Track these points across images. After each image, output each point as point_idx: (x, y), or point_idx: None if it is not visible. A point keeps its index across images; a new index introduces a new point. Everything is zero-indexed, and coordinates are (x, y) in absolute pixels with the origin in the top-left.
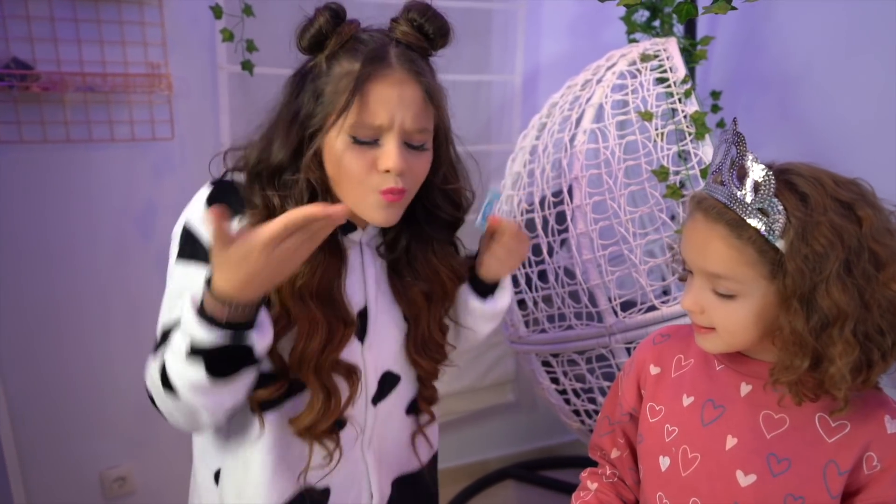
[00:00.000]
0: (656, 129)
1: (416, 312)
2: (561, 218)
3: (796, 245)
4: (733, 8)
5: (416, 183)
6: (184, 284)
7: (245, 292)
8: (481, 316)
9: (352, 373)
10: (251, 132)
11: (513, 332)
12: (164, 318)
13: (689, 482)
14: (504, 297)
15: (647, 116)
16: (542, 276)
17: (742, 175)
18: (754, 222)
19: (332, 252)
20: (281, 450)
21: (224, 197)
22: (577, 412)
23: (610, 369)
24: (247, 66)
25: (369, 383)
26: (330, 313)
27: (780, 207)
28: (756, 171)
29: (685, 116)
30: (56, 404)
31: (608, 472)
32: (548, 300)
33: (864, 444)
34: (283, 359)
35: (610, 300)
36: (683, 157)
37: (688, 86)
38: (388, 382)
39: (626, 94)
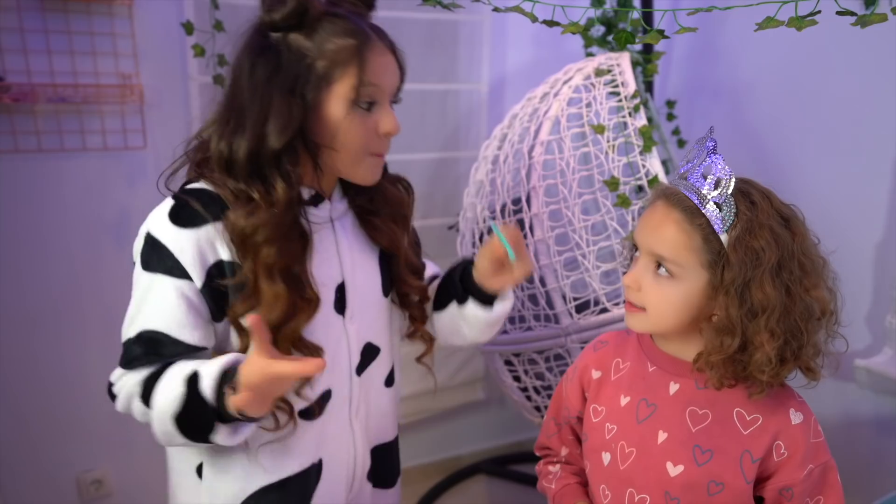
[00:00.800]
0: (608, 142)
1: (397, 241)
2: (520, 225)
3: (741, 239)
4: (665, 37)
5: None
6: (151, 296)
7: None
8: (485, 323)
9: (314, 351)
10: (212, 129)
11: None
12: (132, 326)
13: (626, 475)
14: (508, 302)
15: (599, 129)
16: None
17: (706, 173)
18: (708, 212)
19: (299, 235)
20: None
21: (188, 209)
22: (538, 408)
23: (567, 367)
24: (218, 80)
25: (352, 354)
26: (294, 292)
27: (734, 205)
28: (720, 171)
29: (634, 130)
30: (31, 409)
31: (562, 459)
32: None
33: (774, 434)
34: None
35: (566, 303)
36: (632, 167)
37: (637, 100)
38: (369, 353)
39: (581, 107)
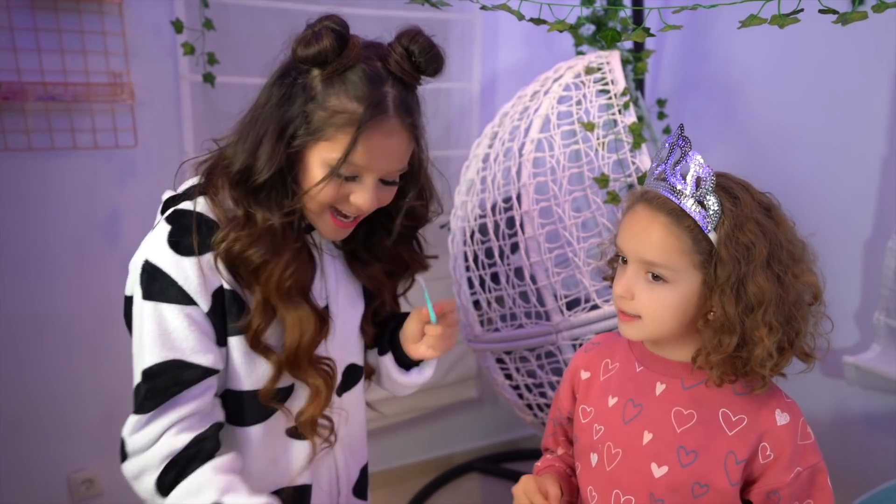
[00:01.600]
0: (598, 139)
1: (378, 286)
2: (511, 223)
3: (730, 235)
4: (651, 34)
5: (375, 209)
6: (161, 326)
7: None
8: (403, 385)
9: (330, 364)
10: (230, 132)
11: (469, 331)
12: (145, 362)
13: (612, 475)
14: (429, 370)
15: (589, 127)
16: (495, 277)
17: (685, 172)
18: (693, 213)
19: (309, 254)
20: (264, 457)
21: (186, 234)
22: (529, 406)
23: (558, 365)
24: (208, 78)
25: (336, 377)
26: (311, 309)
27: (717, 202)
28: (699, 169)
29: (624, 127)
30: (21, 409)
31: (558, 453)
32: (500, 301)
33: (759, 436)
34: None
35: (556, 300)
36: (622, 165)
37: (627, 98)
38: (352, 375)
39: (571, 105)
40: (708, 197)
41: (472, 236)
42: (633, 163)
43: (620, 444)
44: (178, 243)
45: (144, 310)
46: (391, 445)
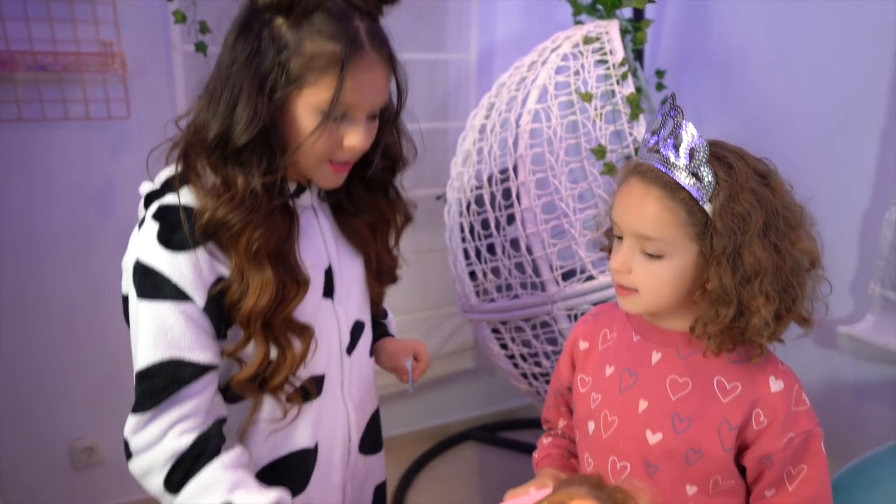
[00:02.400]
0: (595, 110)
1: (365, 244)
2: (507, 194)
3: (725, 206)
4: (651, 0)
5: (365, 151)
6: (156, 325)
7: None
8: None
9: (304, 331)
10: (190, 107)
11: (465, 302)
12: (141, 362)
13: (608, 443)
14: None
15: (586, 97)
16: (491, 248)
17: (678, 143)
18: (688, 185)
19: (283, 215)
20: (266, 420)
21: (177, 229)
22: (524, 375)
23: (553, 335)
24: (200, 47)
25: (342, 335)
26: (283, 273)
27: (712, 172)
28: (692, 140)
29: (622, 98)
30: (20, 380)
31: (559, 431)
32: (496, 271)
33: (752, 403)
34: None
35: (552, 270)
36: (620, 136)
37: (625, 68)
38: (357, 331)
39: (569, 75)
40: (702, 168)
41: (468, 207)
42: (631, 134)
43: (616, 412)
44: (170, 240)
45: (140, 309)
46: (388, 415)
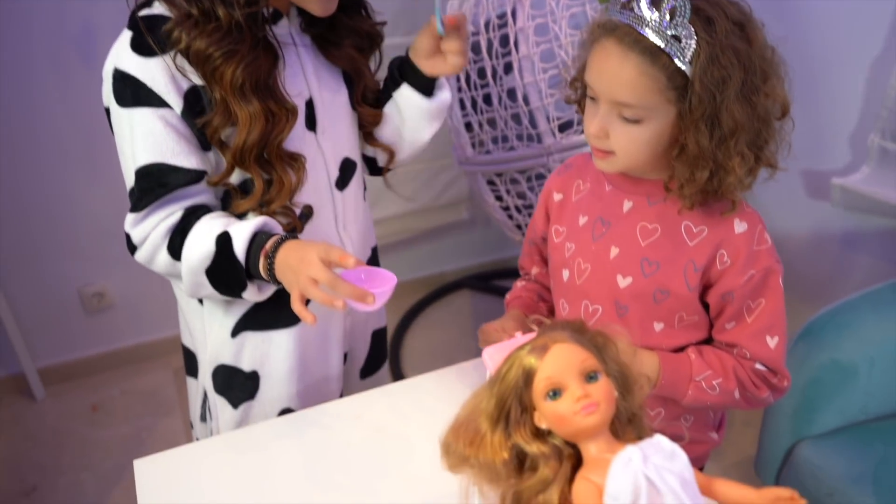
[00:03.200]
0: None
1: (356, 65)
2: (505, 41)
3: (706, 69)
4: None
5: None
6: (139, 131)
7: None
8: (427, 114)
9: (296, 159)
10: None
11: (461, 153)
12: (128, 169)
13: (582, 289)
14: (446, 91)
15: None
16: (487, 99)
17: (657, 1)
18: (668, 49)
19: (264, 48)
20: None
21: (150, 36)
22: (519, 226)
23: None
24: None
25: (330, 170)
26: (271, 104)
27: (692, 32)
28: None
29: None
30: (27, 229)
31: (532, 277)
32: (492, 123)
33: (717, 244)
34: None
35: (549, 122)
36: None
37: None
38: (347, 169)
39: None
40: (682, 29)
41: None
42: None
43: (589, 259)
44: (141, 45)
45: (121, 118)
46: (385, 264)
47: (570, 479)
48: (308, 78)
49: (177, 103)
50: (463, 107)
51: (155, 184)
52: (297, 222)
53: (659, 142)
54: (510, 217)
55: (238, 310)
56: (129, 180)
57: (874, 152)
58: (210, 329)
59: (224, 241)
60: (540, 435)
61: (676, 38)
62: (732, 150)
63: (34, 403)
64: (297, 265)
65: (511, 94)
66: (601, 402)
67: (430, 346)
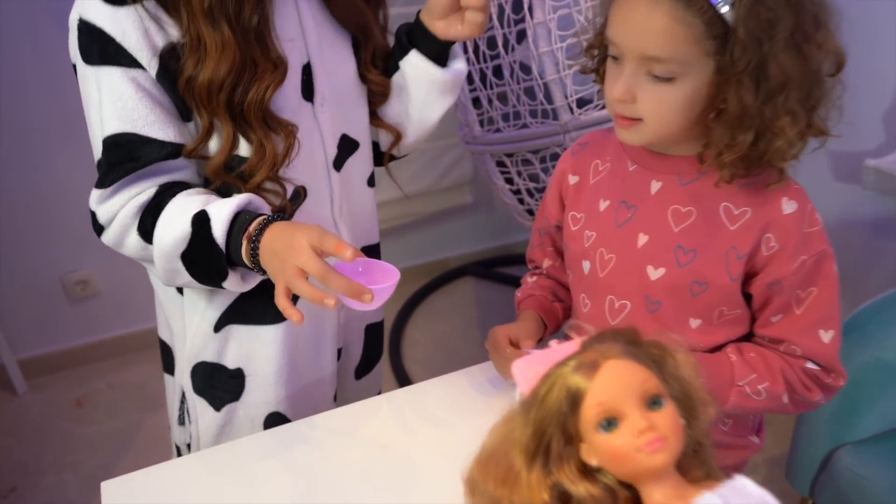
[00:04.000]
0: None
1: (364, 20)
2: (518, 6)
3: (751, 12)
4: None
5: None
6: (107, 93)
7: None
8: (440, 86)
9: (285, 126)
10: None
11: (467, 132)
12: (95, 138)
13: (606, 282)
14: (461, 62)
15: None
16: (498, 72)
17: None
18: None
19: None
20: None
21: None
22: (530, 211)
23: None
24: None
25: (327, 146)
26: (252, 46)
27: None
28: None
29: None
30: (4, 212)
31: (544, 271)
32: (503, 98)
33: (763, 227)
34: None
35: (566, 96)
36: None
37: None
38: (347, 146)
39: None
40: None
41: None
42: None
43: (614, 249)
44: None
45: (87, 77)
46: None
47: None
48: (307, 37)
49: (151, 63)
50: (471, 81)
51: (125, 156)
52: (287, 203)
53: (695, 103)
54: (521, 201)
55: (222, 301)
56: (97, 150)
57: None
58: (190, 321)
59: (201, 221)
60: (588, 473)
61: None
62: (781, 107)
63: (15, 398)
64: (283, 251)
65: (524, 66)
66: (669, 435)
67: (432, 337)
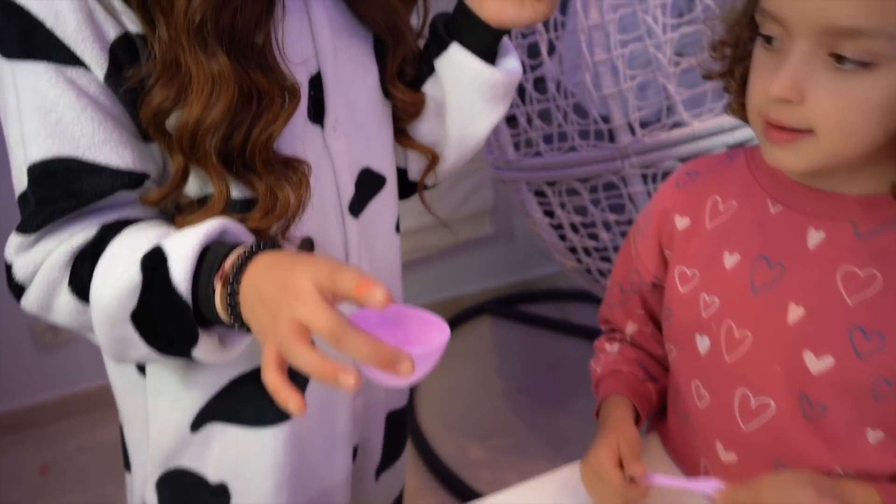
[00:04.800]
0: None
1: (394, 22)
2: (565, 5)
3: None
4: None
5: None
6: (34, 101)
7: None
8: (490, 91)
9: (293, 168)
10: None
11: (499, 155)
12: (18, 162)
13: (735, 369)
14: (514, 59)
15: None
16: (539, 84)
17: None
18: None
19: None
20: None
21: None
22: (573, 249)
23: (619, 200)
24: None
25: (342, 185)
26: (254, 73)
27: None
28: None
29: None
30: None
31: (627, 337)
32: (545, 116)
33: None
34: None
35: (626, 114)
36: None
37: None
38: (368, 183)
39: None
40: None
41: None
42: None
43: (749, 323)
44: None
45: (4, 76)
46: None
47: None
48: (317, 39)
49: (97, 61)
50: None
51: (60, 191)
52: None
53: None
54: (562, 237)
55: (202, 386)
56: (19, 181)
57: None
58: (156, 416)
59: (155, 262)
60: None
61: None
62: None
63: None
64: (274, 297)
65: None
66: None
67: (447, 386)
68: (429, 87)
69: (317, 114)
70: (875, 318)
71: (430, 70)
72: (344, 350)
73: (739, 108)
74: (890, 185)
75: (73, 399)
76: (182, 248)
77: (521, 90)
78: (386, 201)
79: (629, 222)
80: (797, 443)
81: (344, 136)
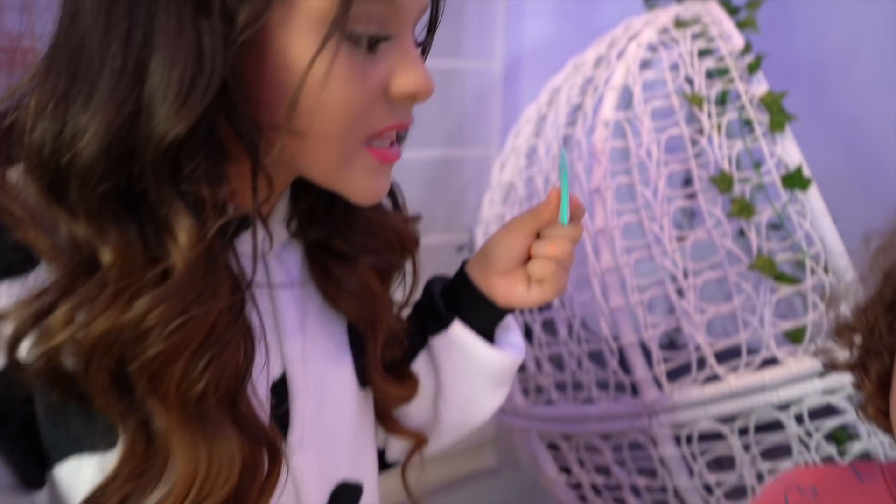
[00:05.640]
0: (710, 118)
1: (373, 303)
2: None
3: None
4: None
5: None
6: None
7: None
8: (494, 375)
9: (271, 444)
10: (28, 94)
11: (507, 401)
12: None
13: None
14: (517, 332)
15: (695, 100)
16: (549, 326)
17: None
18: None
19: (238, 321)
20: None
21: None
22: None
23: (649, 462)
24: None
25: None
26: (251, 437)
27: None
28: None
29: (751, 100)
30: None
31: None
32: (557, 361)
33: None
34: None
35: (651, 366)
36: (752, 156)
37: (751, 57)
38: (342, 498)
39: (662, 70)
40: None
41: None
42: (772, 153)
43: None
44: None
45: None
46: None
47: None
48: (283, 333)
49: None
50: None
51: None
52: None
53: None
54: (583, 498)
55: None
56: None
57: None
58: None
59: None
60: None
61: None
62: None
63: None
64: None
65: (587, 321)
66: None
67: None
68: (420, 365)
69: (281, 425)
70: None
71: (423, 343)
72: None
73: (877, 415)
74: None
75: None
76: None
77: (527, 333)
78: None
79: (663, 489)
80: None
81: (314, 447)
